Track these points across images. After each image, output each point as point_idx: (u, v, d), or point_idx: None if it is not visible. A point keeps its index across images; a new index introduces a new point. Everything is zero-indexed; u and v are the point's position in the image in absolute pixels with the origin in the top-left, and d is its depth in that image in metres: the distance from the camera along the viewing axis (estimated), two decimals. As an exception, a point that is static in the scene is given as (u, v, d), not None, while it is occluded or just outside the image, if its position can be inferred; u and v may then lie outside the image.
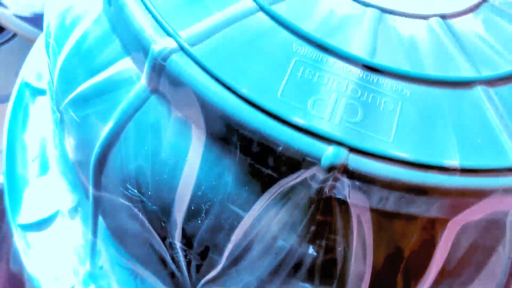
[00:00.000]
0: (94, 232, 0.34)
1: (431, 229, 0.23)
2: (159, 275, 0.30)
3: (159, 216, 0.25)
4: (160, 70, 0.23)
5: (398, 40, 0.26)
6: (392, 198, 0.21)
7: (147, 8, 0.24)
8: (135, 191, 0.25)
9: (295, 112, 0.22)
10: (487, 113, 0.24)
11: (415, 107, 0.23)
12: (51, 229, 0.41)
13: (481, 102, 0.24)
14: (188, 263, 0.26)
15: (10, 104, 0.48)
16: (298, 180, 0.22)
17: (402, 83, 0.24)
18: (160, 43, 0.23)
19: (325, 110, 0.22)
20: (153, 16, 0.24)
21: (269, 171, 0.22)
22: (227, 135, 0.22)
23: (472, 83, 0.25)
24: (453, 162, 0.21)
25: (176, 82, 0.23)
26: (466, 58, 0.26)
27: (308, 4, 0.27)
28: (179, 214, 0.24)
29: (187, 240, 0.25)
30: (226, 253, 0.24)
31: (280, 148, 0.21)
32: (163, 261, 0.28)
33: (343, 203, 0.22)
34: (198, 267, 0.26)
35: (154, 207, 0.25)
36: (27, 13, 0.58)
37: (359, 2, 0.28)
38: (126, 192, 0.26)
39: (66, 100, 0.27)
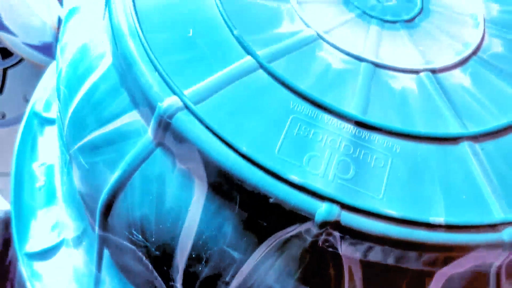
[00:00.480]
0: (99, 266, 0.36)
1: (419, 280, 0.24)
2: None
3: (162, 261, 0.26)
4: (165, 126, 0.24)
5: (390, 95, 0.28)
6: (382, 252, 0.23)
7: (154, 66, 0.26)
8: (140, 236, 0.27)
9: (291, 169, 0.23)
10: (472, 169, 0.25)
11: (404, 163, 0.25)
12: (56, 258, 0.43)
13: (467, 157, 0.26)
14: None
15: (19, 133, 0.50)
16: (293, 233, 0.23)
17: (393, 139, 0.26)
18: (166, 101, 0.24)
19: (319, 166, 0.24)
20: (160, 74, 0.25)
21: (266, 224, 0.24)
22: (228, 189, 0.24)
23: (459, 139, 0.26)
24: (439, 218, 0.23)
25: (181, 138, 0.24)
26: (453, 113, 0.27)
27: (305, 58, 0.28)
28: (181, 260, 0.26)
29: (189, 284, 0.26)
30: (225, 298, 0.26)
31: (277, 203, 0.23)
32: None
33: (336, 255, 0.23)
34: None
35: (157, 252, 0.26)
36: (36, 41, 0.60)
37: (354, 57, 0.29)
38: (131, 237, 0.27)
39: (76, 146, 0.29)
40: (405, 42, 0.31)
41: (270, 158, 0.24)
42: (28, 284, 0.42)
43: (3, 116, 0.70)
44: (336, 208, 0.22)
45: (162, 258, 0.26)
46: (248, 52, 0.27)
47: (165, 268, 0.26)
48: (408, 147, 0.26)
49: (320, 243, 0.23)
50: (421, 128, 0.27)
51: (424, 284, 0.24)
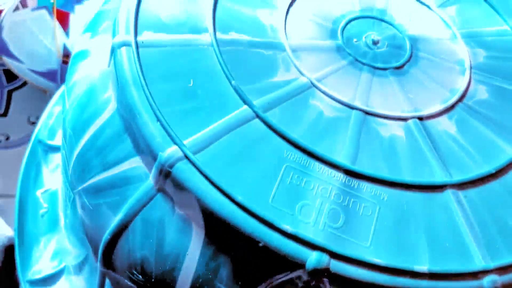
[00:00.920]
0: (100, 295, 0.37)
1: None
2: None
3: (161, 301, 0.28)
4: (166, 175, 0.26)
5: (378, 143, 0.29)
6: (369, 298, 0.24)
7: (156, 116, 0.27)
8: (140, 276, 0.28)
9: (284, 218, 0.25)
10: (455, 217, 0.27)
11: (391, 212, 0.26)
12: (57, 285, 0.44)
13: (451, 205, 0.27)
14: None
15: (24, 160, 0.52)
16: (285, 278, 0.25)
17: (380, 187, 0.27)
18: (167, 151, 0.26)
19: (311, 215, 0.25)
20: (162, 125, 0.27)
21: (260, 269, 0.25)
22: (224, 235, 0.25)
23: (444, 187, 0.28)
24: (423, 267, 0.24)
25: (180, 186, 0.26)
26: (439, 161, 0.29)
27: (299, 107, 0.30)
28: (179, 301, 0.27)
29: (186, 324, 0.27)
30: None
31: (270, 251, 0.24)
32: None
33: (326, 300, 0.25)
34: None
35: (157, 292, 0.27)
36: (41, 68, 0.62)
37: (345, 104, 0.31)
38: (132, 276, 0.28)
39: (80, 187, 0.31)
40: (394, 89, 0.33)
41: (264, 207, 0.25)
42: (30, 311, 0.43)
43: (7, 138, 0.71)
44: (325, 257, 0.24)
45: (161, 298, 0.27)
46: (245, 102, 0.29)
47: (163, 307, 0.28)
48: (395, 195, 0.27)
49: (311, 289, 0.24)
50: (408, 176, 0.28)
51: (410, 328, 0.25)
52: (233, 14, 0.34)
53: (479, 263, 0.25)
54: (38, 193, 0.50)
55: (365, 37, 0.35)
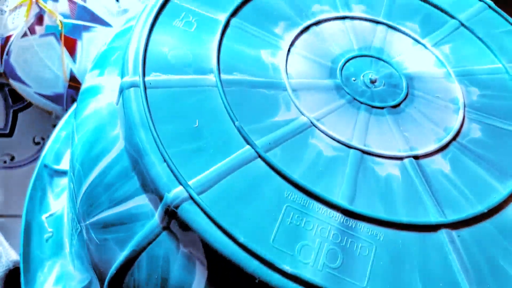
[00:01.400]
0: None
1: None
2: None
3: (165, 335, 0.29)
4: (171, 214, 0.27)
5: (375, 182, 0.31)
6: (365, 337, 0.25)
7: (163, 157, 0.28)
8: (145, 311, 0.29)
9: (284, 259, 0.26)
10: (449, 256, 0.28)
11: (387, 252, 0.27)
12: (61, 310, 0.44)
13: (445, 245, 0.28)
14: None
15: (30, 185, 0.53)
16: (285, 317, 0.26)
17: (377, 228, 0.28)
18: (173, 192, 0.27)
19: (310, 256, 0.26)
20: (168, 165, 0.28)
21: (261, 307, 0.26)
22: (227, 274, 0.26)
23: (438, 227, 0.29)
24: (417, 308, 0.25)
25: (185, 226, 0.27)
26: (433, 201, 0.30)
27: (299, 146, 0.31)
28: (182, 336, 0.28)
29: None
30: None
31: (271, 290, 0.25)
32: None
33: (323, 338, 0.26)
34: None
35: (161, 327, 0.28)
36: (48, 92, 0.64)
37: (343, 144, 0.32)
38: (137, 310, 0.29)
39: (88, 222, 0.32)
40: (391, 128, 0.34)
41: (266, 248, 0.26)
42: (33, 336, 0.44)
43: (12, 158, 0.73)
44: (324, 297, 0.25)
45: (164, 333, 0.28)
46: (248, 142, 0.30)
47: None
48: (391, 235, 0.28)
49: (310, 327, 0.25)
50: (403, 216, 0.29)
51: None
52: (237, 54, 0.35)
53: (471, 303, 0.26)
54: (43, 217, 0.51)
55: (363, 76, 0.37)
